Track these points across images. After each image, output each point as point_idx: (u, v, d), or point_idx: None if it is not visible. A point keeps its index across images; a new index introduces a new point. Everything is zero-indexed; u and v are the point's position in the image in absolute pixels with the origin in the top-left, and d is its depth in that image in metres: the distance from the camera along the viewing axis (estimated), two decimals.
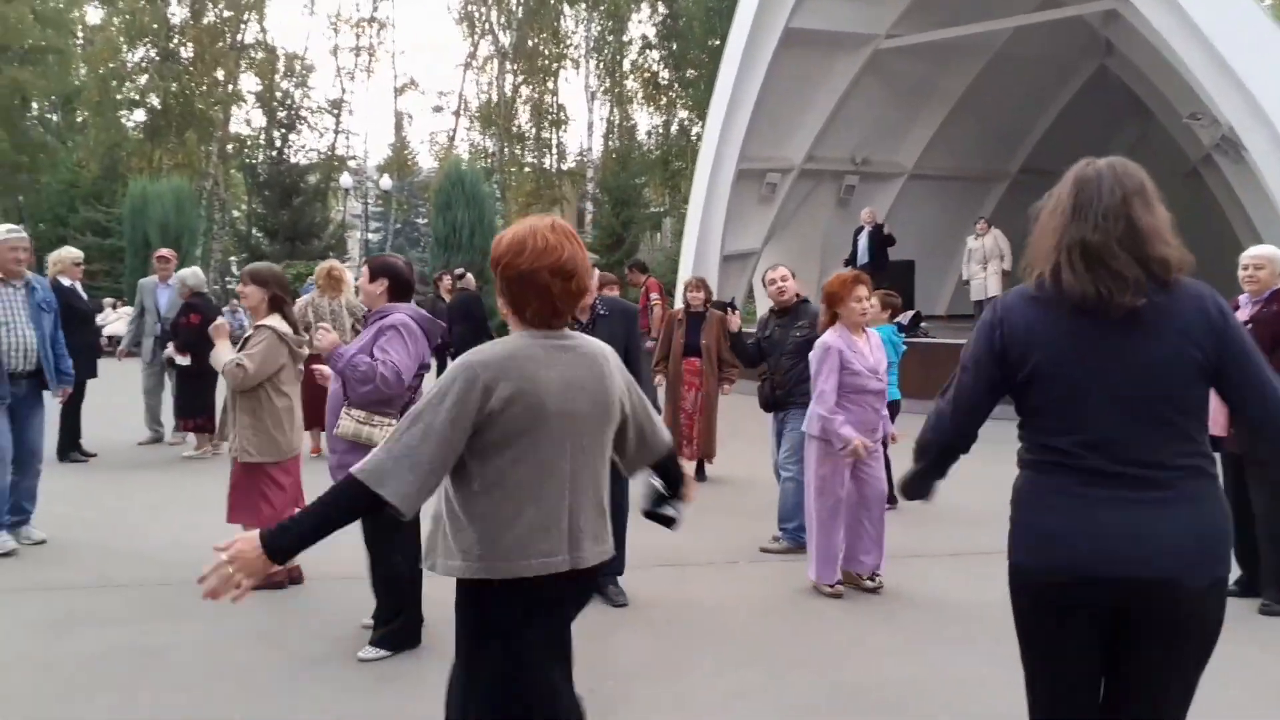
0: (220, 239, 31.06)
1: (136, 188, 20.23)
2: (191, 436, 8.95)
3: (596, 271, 4.60)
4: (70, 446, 8.34)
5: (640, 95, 38.98)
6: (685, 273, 16.83)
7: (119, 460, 8.59)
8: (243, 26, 35.14)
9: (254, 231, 30.52)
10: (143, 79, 31.78)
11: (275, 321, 4.80)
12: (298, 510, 2.22)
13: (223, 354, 4.72)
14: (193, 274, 9.13)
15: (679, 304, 8.23)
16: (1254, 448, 2.28)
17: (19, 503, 5.69)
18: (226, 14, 34.42)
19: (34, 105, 36.32)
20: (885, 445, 5.49)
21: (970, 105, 17.90)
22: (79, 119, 33.88)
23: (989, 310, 2.18)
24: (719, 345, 8.05)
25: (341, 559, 4.42)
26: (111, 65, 31.26)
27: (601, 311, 4.70)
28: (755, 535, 6.03)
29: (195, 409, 8.80)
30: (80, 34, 34.99)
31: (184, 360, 8.44)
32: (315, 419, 6.74)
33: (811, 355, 5.14)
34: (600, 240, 28.90)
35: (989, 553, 5.62)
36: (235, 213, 34.61)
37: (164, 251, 9.43)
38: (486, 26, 38.39)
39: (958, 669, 4.07)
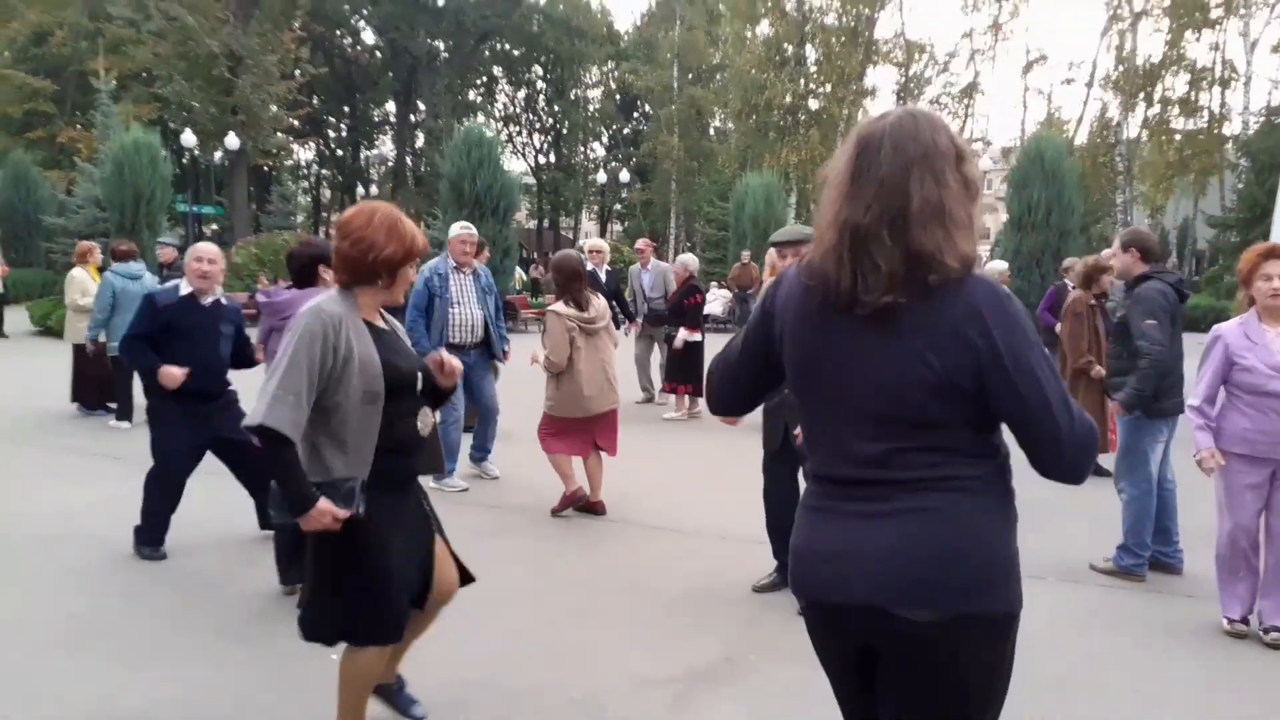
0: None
1: (740, 185, 22.75)
2: (674, 399, 10.04)
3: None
4: None
5: None
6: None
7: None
8: (875, 21, 36.69)
9: None
10: (778, 85, 35.15)
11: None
12: None
13: None
14: (692, 259, 10.26)
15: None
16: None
17: (483, 444, 7.10)
18: (865, 12, 36.16)
19: (716, 117, 42.97)
20: None
21: None
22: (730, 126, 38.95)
23: None
24: None
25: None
26: (754, 73, 35.13)
27: None
28: (1097, 549, 5.24)
29: (685, 377, 9.81)
30: (749, 50, 39.53)
31: (695, 337, 9.65)
32: None
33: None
34: (1239, 213, 24.30)
35: None
36: None
37: (640, 243, 10.94)
38: None
39: None
